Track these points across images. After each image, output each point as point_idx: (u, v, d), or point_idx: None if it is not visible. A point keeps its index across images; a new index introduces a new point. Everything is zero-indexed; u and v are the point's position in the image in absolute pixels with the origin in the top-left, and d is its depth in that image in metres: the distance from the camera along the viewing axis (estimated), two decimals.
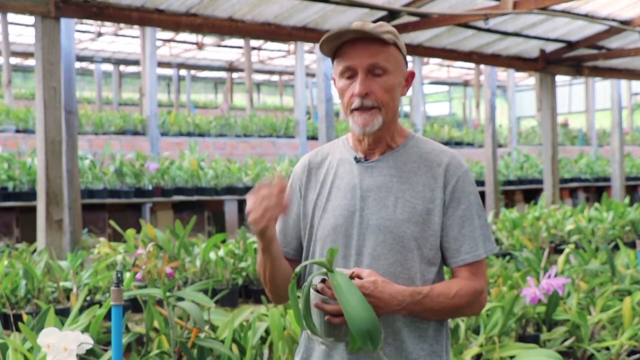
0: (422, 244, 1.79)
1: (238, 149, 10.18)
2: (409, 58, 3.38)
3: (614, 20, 7.38)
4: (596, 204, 8.08)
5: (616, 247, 6.33)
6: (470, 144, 13.56)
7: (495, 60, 8.20)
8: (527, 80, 21.14)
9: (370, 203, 1.81)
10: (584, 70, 8.95)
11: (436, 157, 1.85)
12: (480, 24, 6.83)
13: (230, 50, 16.48)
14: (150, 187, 7.34)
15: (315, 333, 1.70)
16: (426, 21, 6.35)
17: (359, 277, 1.70)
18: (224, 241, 5.08)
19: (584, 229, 6.91)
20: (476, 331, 3.63)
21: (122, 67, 18.00)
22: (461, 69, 19.48)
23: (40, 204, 4.81)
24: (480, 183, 9.29)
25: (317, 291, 1.69)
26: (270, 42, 14.51)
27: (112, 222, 5.28)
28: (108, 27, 13.59)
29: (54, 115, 4.81)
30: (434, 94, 25.40)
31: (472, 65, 16.74)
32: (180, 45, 16.00)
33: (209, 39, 15.25)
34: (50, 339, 2.10)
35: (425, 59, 15.65)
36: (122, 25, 12.94)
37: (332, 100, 6.60)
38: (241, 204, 8.42)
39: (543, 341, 3.75)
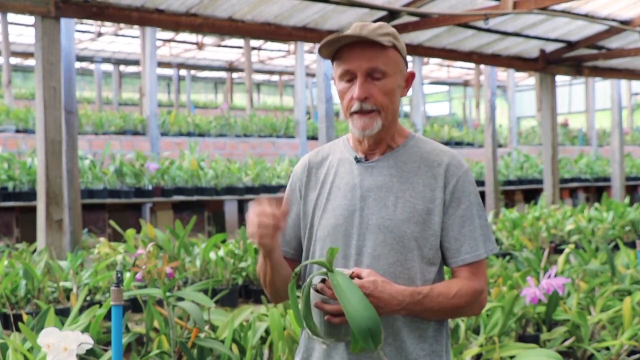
0: (422, 244, 1.79)
1: (238, 149, 10.18)
2: (409, 58, 3.37)
3: (614, 20, 7.38)
4: (596, 204, 8.07)
5: (616, 247, 6.33)
6: (470, 144, 13.55)
7: (495, 60, 8.20)
8: (527, 80, 21.14)
9: (371, 203, 1.81)
10: (584, 70, 8.95)
11: (436, 157, 1.84)
12: (480, 24, 6.83)
13: (230, 50, 16.48)
14: (150, 187, 7.34)
15: (315, 333, 1.70)
16: (426, 21, 6.35)
17: (359, 277, 1.69)
18: (224, 241, 5.08)
19: (584, 229, 6.91)
20: (476, 331, 3.63)
21: (122, 67, 18.00)
22: (461, 69, 19.47)
23: (40, 204, 4.81)
24: (480, 183, 9.28)
25: (317, 291, 1.69)
26: (270, 42, 14.51)
27: (112, 222, 5.28)
28: (108, 27, 13.58)
29: (54, 115, 4.81)
30: (434, 94, 25.40)
31: (472, 65, 16.74)
32: (180, 45, 15.99)
33: (209, 39, 15.24)
34: (50, 339, 2.10)
35: (425, 59, 15.64)
36: (122, 25, 12.94)
37: (332, 100, 6.59)
38: (241, 204, 8.42)
39: (543, 341, 3.75)
